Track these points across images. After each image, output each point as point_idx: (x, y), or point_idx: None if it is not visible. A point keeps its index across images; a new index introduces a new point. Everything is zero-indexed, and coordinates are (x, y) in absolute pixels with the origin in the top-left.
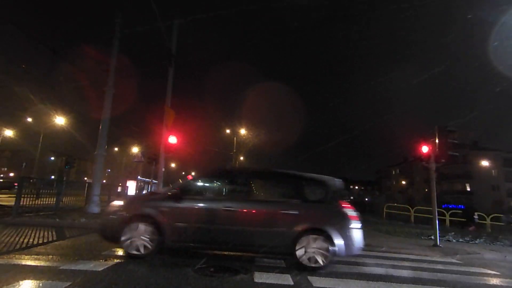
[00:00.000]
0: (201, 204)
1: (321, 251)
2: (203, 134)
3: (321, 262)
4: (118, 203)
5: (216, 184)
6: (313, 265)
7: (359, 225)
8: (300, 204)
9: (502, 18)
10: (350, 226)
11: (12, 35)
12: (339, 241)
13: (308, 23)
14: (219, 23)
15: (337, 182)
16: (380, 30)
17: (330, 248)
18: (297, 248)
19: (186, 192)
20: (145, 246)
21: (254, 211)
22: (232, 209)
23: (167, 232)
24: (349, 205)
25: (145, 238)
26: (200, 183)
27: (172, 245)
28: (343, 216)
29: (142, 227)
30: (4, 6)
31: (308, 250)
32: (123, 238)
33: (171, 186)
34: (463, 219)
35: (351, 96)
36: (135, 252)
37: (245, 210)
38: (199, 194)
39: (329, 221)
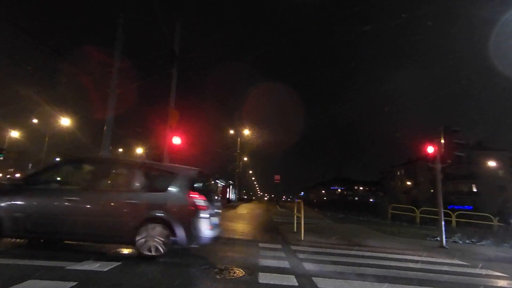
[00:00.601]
0: (42, 195)
1: (160, 240)
2: (207, 135)
3: (160, 251)
4: None
5: (61, 175)
6: (151, 253)
7: (206, 215)
8: (142, 193)
9: (503, 17)
10: (194, 216)
11: (16, 37)
12: (180, 231)
13: (311, 24)
14: (222, 24)
15: (191, 172)
16: (382, 31)
17: (171, 237)
18: (137, 237)
19: (29, 182)
20: None
21: (95, 201)
22: (73, 199)
23: (5, 223)
24: (198, 195)
25: None
26: (45, 174)
27: (11, 236)
28: (188, 205)
29: None
30: (8, 7)
31: (148, 239)
32: None
33: (15, 176)
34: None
35: (355, 96)
36: None
37: (86, 200)
38: (43, 184)
39: (171, 210)
